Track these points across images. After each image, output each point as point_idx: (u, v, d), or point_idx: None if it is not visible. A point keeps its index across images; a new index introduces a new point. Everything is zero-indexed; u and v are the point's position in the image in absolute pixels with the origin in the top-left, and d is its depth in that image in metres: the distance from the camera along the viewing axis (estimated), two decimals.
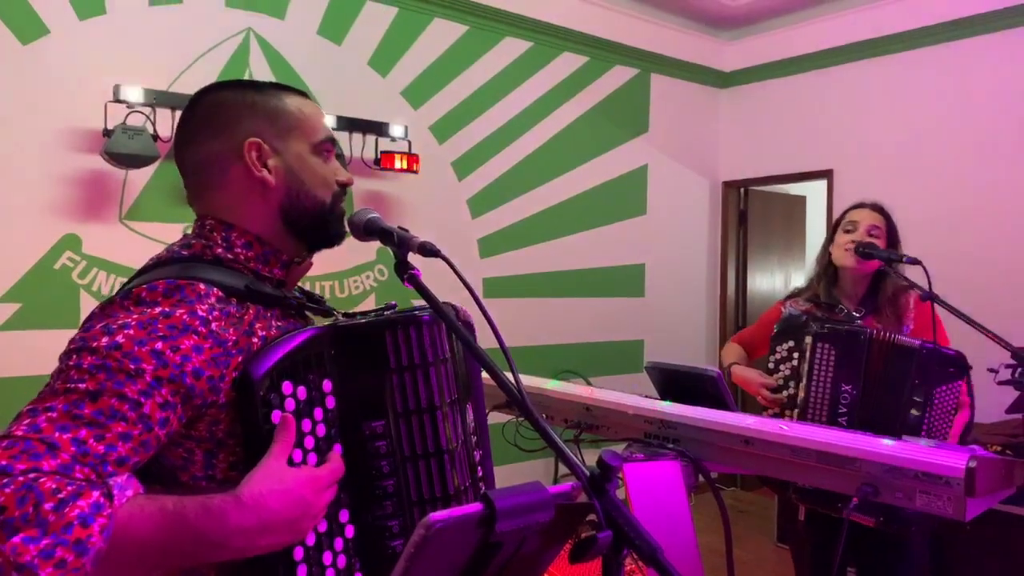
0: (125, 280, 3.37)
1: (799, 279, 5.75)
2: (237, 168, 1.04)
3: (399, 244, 1.02)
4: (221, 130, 1.04)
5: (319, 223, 1.09)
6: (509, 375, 0.89)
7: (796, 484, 1.99)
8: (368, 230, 1.06)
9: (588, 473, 0.69)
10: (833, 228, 2.25)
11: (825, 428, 1.57)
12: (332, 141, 1.12)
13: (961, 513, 1.27)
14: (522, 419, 1.94)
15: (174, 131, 1.12)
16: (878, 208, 2.21)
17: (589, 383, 4.18)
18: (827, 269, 2.22)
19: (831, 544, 2.12)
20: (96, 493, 0.77)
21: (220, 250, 1.02)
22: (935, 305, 2.00)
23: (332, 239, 1.12)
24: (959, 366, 1.94)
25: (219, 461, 0.93)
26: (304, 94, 1.12)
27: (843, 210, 2.29)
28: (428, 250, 0.99)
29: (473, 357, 0.90)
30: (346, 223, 1.10)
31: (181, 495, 0.85)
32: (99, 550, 0.75)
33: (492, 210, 4.12)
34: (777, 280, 5.62)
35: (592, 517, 0.70)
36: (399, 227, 1.05)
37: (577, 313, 4.47)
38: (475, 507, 0.64)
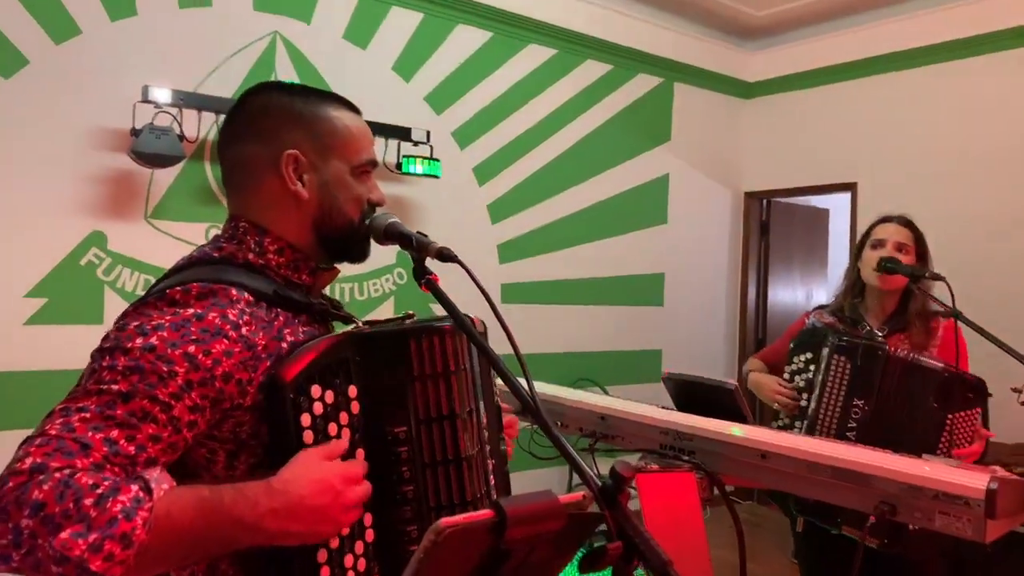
0: (149, 278, 3.37)
1: (820, 292, 5.69)
2: (272, 176, 1.04)
3: (418, 249, 1.02)
4: (264, 135, 1.05)
5: (345, 241, 1.09)
6: (523, 381, 0.89)
7: (795, 496, 1.96)
8: (388, 234, 1.07)
9: (600, 483, 0.69)
10: (860, 243, 2.19)
11: (843, 444, 1.55)
12: (373, 164, 1.11)
13: (981, 535, 1.25)
14: (536, 427, 1.93)
15: (221, 124, 1.12)
16: (905, 222, 2.15)
17: (606, 392, 4.16)
18: (855, 285, 2.17)
19: (827, 561, 2.08)
20: (135, 487, 0.79)
21: (252, 255, 1.03)
22: (960, 326, 1.95)
23: (354, 257, 1.12)
24: (978, 392, 1.89)
25: (240, 462, 0.94)
26: (357, 110, 1.12)
27: (868, 224, 2.24)
28: (446, 256, 0.99)
29: (489, 364, 0.90)
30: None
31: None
32: (142, 542, 0.77)
33: (512, 216, 4.13)
34: (798, 293, 5.57)
35: (603, 527, 0.70)
36: (418, 232, 1.05)
37: (595, 321, 4.46)
38: (486, 513, 0.64)
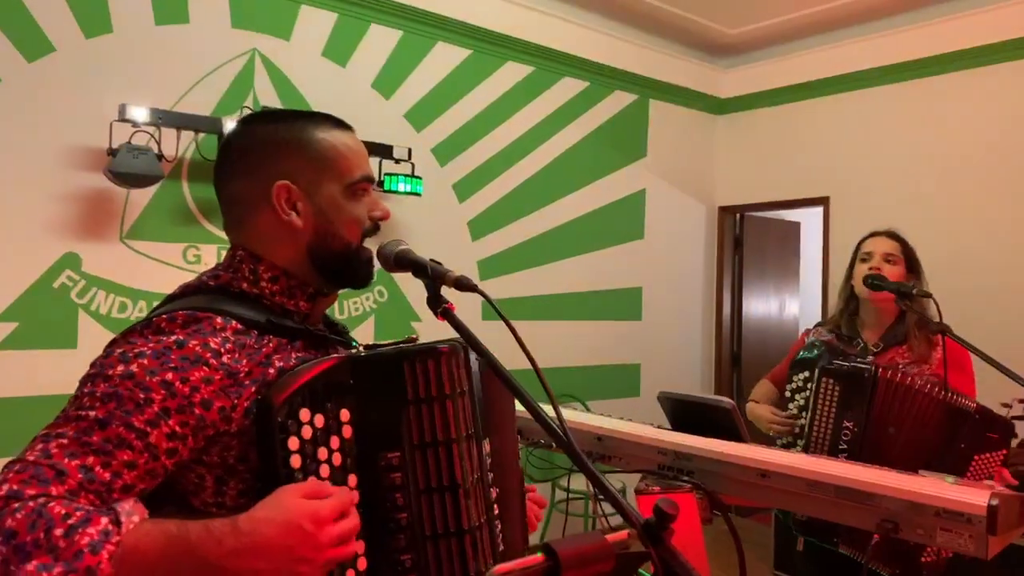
0: (125, 300, 3.30)
1: (793, 303, 5.78)
2: (266, 209, 1.04)
3: (433, 278, 1.01)
4: (252, 170, 1.04)
5: (344, 265, 1.08)
6: (547, 406, 0.88)
7: (795, 515, 1.96)
8: (399, 262, 1.06)
9: (643, 521, 0.68)
10: (852, 259, 2.22)
11: (843, 462, 1.56)
12: (370, 180, 1.10)
13: (983, 551, 1.27)
14: (530, 446, 1.92)
15: (214, 162, 1.12)
16: (892, 235, 2.19)
17: (587, 407, 4.16)
18: (849, 301, 2.20)
19: None
20: (105, 520, 0.79)
21: (246, 284, 1.03)
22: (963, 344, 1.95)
23: (357, 282, 1.10)
24: (1003, 431, 1.84)
25: (229, 488, 0.94)
26: (347, 126, 1.11)
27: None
28: (465, 285, 0.99)
29: (517, 399, 0.89)
30: (375, 260, 1.09)
31: (188, 519, 0.85)
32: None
33: (492, 232, 4.12)
34: (772, 305, 5.65)
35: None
36: (431, 260, 1.04)
37: (574, 336, 4.47)
38: (538, 558, 0.63)
